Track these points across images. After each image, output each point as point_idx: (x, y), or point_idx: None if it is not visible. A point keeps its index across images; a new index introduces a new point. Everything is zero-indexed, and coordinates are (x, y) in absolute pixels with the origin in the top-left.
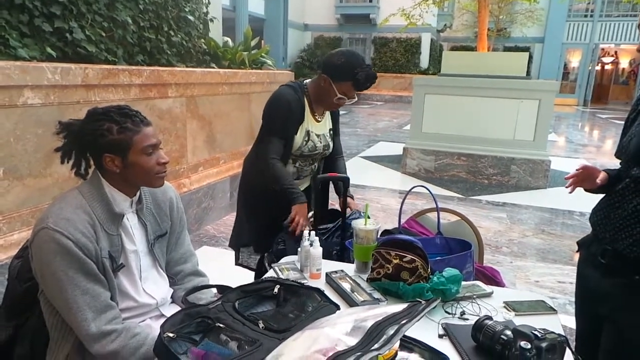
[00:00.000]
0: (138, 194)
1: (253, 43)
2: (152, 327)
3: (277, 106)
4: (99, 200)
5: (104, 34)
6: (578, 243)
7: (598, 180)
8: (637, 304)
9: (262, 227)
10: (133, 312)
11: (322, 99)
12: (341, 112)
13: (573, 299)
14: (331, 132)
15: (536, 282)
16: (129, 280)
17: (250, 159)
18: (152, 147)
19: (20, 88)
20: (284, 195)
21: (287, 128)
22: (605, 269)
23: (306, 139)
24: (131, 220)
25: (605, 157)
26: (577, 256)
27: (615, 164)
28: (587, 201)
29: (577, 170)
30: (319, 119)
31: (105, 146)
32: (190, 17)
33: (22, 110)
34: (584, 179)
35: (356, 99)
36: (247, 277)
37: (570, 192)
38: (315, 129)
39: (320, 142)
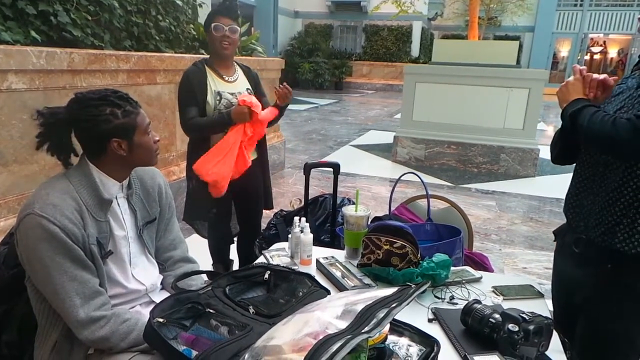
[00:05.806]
0: (127, 178)
1: (243, 30)
2: (142, 314)
3: (180, 83)
4: (87, 186)
5: (90, 18)
6: (554, 232)
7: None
8: (609, 293)
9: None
10: (122, 298)
11: (215, 50)
12: (332, 102)
13: None
14: (249, 90)
15: (524, 268)
16: (118, 266)
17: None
18: (149, 126)
19: (4, 72)
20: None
21: (192, 96)
22: (579, 259)
23: (218, 98)
24: (122, 206)
25: None
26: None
27: None
28: None
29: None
30: (230, 80)
31: (112, 131)
32: (179, 2)
33: (7, 95)
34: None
35: (237, 29)
36: (236, 263)
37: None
38: (226, 88)
39: (237, 99)
